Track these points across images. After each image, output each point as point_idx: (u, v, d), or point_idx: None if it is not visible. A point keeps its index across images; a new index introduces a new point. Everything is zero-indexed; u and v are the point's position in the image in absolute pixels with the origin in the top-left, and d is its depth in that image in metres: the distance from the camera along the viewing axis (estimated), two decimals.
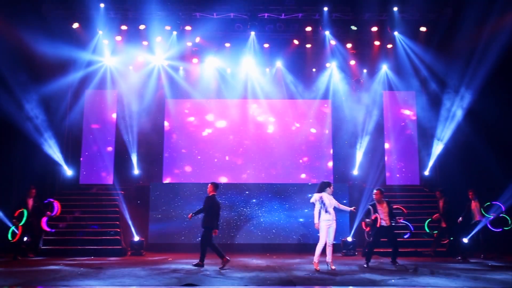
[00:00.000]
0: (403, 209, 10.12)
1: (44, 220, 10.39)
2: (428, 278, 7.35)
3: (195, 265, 8.62)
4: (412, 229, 10.54)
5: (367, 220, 9.20)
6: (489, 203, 10.54)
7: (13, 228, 9.89)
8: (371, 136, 13.53)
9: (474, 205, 10.64)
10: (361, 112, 13.56)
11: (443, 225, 10.51)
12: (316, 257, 8.18)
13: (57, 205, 10.50)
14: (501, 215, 10.54)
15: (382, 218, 8.85)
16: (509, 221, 10.49)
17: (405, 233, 10.65)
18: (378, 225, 8.77)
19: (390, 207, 9.03)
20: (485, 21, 11.35)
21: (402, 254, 10.37)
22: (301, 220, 12.10)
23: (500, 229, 10.52)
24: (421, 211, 12.03)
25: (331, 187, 8.38)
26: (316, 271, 7.99)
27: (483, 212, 10.50)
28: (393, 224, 8.94)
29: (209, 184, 9.08)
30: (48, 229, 10.53)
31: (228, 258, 8.49)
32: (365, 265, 8.62)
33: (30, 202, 10.20)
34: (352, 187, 12.67)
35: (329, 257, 8.20)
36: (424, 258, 10.33)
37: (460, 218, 10.63)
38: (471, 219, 10.65)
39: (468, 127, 12.22)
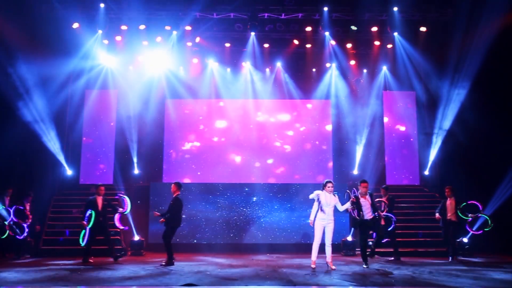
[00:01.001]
0: (385, 200, 10.11)
1: (117, 217, 9.92)
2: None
3: (163, 265, 8.71)
4: (394, 219, 10.12)
5: (351, 203, 8.50)
6: (465, 203, 10.09)
7: (84, 231, 9.43)
8: (371, 136, 13.54)
9: (449, 202, 10.16)
10: (361, 112, 13.57)
11: (382, 223, 9.92)
12: (313, 256, 8.18)
13: (126, 201, 9.91)
14: (480, 215, 10.24)
15: (365, 211, 8.63)
16: (489, 221, 10.17)
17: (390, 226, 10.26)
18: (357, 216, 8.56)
19: (373, 200, 8.88)
20: (485, 22, 11.38)
21: (402, 254, 10.37)
22: (302, 220, 12.07)
23: (481, 231, 10.35)
24: (421, 211, 12.05)
25: (328, 186, 8.20)
26: (313, 270, 7.99)
27: (460, 214, 10.01)
28: (376, 216, 8.82)
29: (172, 184, 9.32)
30: (122, 227, 10.00)
31: (174, 261, 8.90)
32: (364, 266, 8.57)
33: (100, 200, 9.59)
34: (352, 187, 12.64)
35: (328, 257, 8.19)
36: (424, 258, 10.32)
37: (437, 215, 10.20)
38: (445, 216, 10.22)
39: (467, 125, 12.24)
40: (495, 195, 10.99)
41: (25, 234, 10.11)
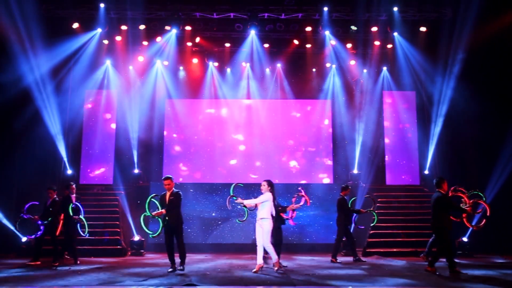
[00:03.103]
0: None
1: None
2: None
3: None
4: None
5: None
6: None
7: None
8: (371, 135, 13.54)
9: None
10: (361, 112, 13.58)
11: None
12: (272, 256, 7.88)
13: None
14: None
15: None
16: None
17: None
18: None
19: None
20: (484, 22, 11.40)
21: (402, 254, 10.38)
22: (301, 220, 12.07)
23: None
24: (421, 211, 12.04)
25: (261, 186, 8.10)
26: (283, 267, 8.27)
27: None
28: None
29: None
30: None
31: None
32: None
33: (167, 195, 8.17)
34: (352, 187, 12.65)
35: (258, 259, 7.84)
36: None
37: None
38: None
39: (466, 125, 12.25)
40: (486, 191, 11.01)
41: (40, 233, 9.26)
